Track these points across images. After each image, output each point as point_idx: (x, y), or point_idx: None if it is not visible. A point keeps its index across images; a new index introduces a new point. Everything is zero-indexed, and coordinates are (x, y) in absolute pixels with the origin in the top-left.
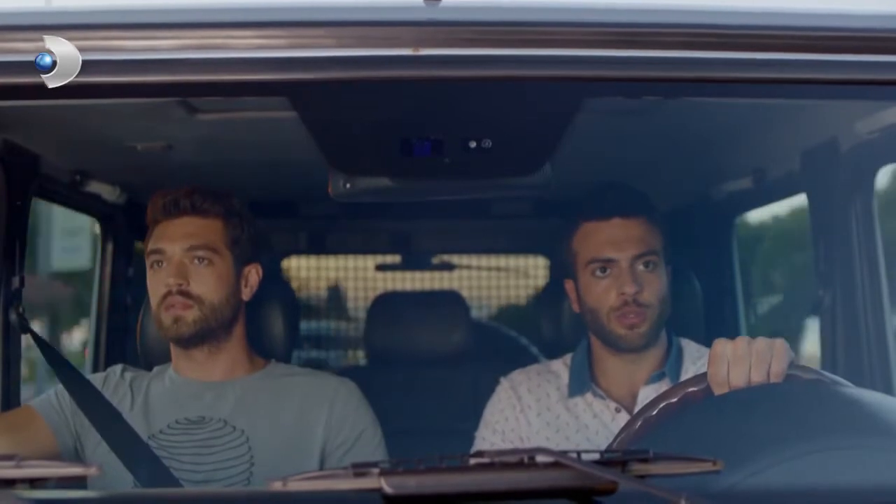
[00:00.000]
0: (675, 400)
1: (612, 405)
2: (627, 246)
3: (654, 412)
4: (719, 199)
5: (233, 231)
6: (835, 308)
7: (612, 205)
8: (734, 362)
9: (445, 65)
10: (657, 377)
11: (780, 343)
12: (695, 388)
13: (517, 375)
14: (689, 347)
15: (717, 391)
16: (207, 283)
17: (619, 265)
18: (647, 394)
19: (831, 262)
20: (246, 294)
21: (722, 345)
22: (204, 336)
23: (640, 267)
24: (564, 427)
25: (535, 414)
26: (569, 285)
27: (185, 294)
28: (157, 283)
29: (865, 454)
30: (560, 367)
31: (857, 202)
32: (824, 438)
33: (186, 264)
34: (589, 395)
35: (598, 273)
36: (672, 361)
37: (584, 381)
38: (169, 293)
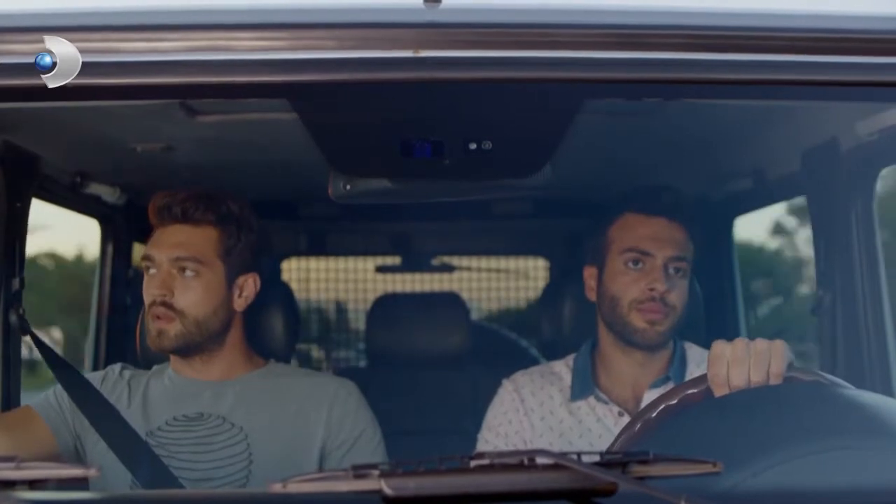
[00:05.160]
0: (674, 402)
1: (616, 409)
2: (667, 246)
3: (654, 414)
4: (719, 200)
5: (227, 240)
6: (835, 308)
7: (663, 204)
8: (733, 363)
9: (446, 67)
10: (662, 381)
11: (778, 344)
12: (694, 390)
13: (520, 377)
14: (692, 351)
15: (718, 392)
16: (192, 297)
17: (654, 261)
18: (651, 398)
19: (831, 262)
20: (239, 304)
21: (721, 346)
22: (189, 349)
23: (672, 269)
24: (568, 431)
25: (538, 417)
26: (589, 272)
27: (168, 306)
28: (147, 291)
29: (865, 455)
30: (562, 369)
31: (857, 203)
32: (824, 439)
33: (174, 275)
34: (592, 399)
35: (631, 264)
36: (676, 365)
37: (586, 384)
38: (154, 303)
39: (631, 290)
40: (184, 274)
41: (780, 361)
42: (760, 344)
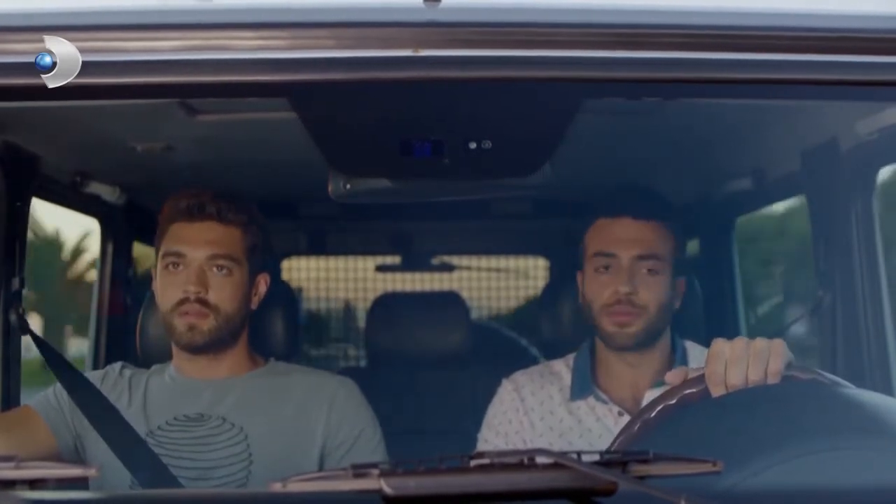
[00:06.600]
0: (673, 402)
1: (615, 409)
2: (631, 245)
3: (653, 414)
4: (719, 199)
5: (251, 240)
6: (835, 308)
7: (626, 204)
8: (732, 362)
9: (445, 66)
10: (662, 381)
11: (777, 343)
12: (693, 390)
13: (520, 377)
14: (694, 350)
15: (715, 391)
16: (225, 293)
17: (620, 263)
18: (651, 398)
19: (831, 262)
20: (254, 303)
21: (720, 344)
22: (215, 345)
23: (642, 269)
24: (568, 431)
25: (538, 417)
26: (579, 277)
27: (203, 303)
28: (173, 287)
29: (865, 455)
30: (562, 368)
31: (857, 202)
32: (824, 439)
33: (206, 272)
34: (591, 399)
35: (601, 268)
36: (678, 365)
37: (586, 383)
38: (186, 300)
39: (601, 294)
40: (219, 272)
41: (778, 360)
42: (760, 343)
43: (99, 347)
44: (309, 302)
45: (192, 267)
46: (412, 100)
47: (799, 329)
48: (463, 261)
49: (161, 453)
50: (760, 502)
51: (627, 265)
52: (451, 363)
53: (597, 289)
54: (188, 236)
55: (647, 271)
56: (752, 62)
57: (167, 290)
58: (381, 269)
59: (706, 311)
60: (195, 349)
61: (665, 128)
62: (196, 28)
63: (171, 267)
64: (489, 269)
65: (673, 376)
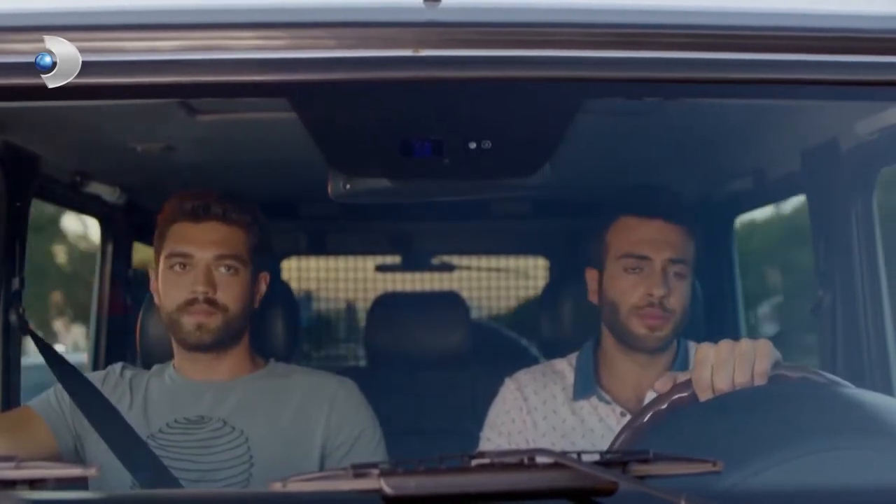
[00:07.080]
0: (664, 407)
1: (618, 409)
2: (665, 248)
3: (645, 419)
4: (719, 199)
5: (253, 240)
6: (835, 308)
7: (659, 206)
8: (717, 366)
9: (446, 66)
10: None
11: (763, 343)
12: (683, 394)
13: (523, 376)
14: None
15: (702, 396)
16: (233, 293)
17: (653, 265)
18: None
19: (831, 262)
20: (256, 301)
21: (706, 349)
22: (220, 342)
23: (672, 272)
24: (570, 431)
25: (541, 416)
26: (590, 274)
27: (212, 303)
28: (180, 287)
29: (865, 455)
30: (565, 367)
31: (857, 203)
32: (824, 439)
33: (213, 272)
34: (594, 399)
35: (630, 269)
36: (679, 366)
37: (588, 383)
38: (195, 300)
39: (630, 296)
40: (225, 271)
41: (764, 361)
42: (745, 345)
43: (99, 347)
44: (309, 302)
45: (200, 267)
46: (412, 100)
47: (799, 329)
48: (463, 261)
49: (162, 456)
50: (760, 502)
51: (660, 268)
52: (451, 363)
53: (625, 289)
54: (194, 237)
55: (675, 275)
56: (752, 62)
57: (173, 291)
58: (381, 269)
59: (706, 311)
60: (202, 348)
61: (665, 128)
62: (196, 28)
63: (177, 267)
64: (489, 269)
65: (661, 384)
